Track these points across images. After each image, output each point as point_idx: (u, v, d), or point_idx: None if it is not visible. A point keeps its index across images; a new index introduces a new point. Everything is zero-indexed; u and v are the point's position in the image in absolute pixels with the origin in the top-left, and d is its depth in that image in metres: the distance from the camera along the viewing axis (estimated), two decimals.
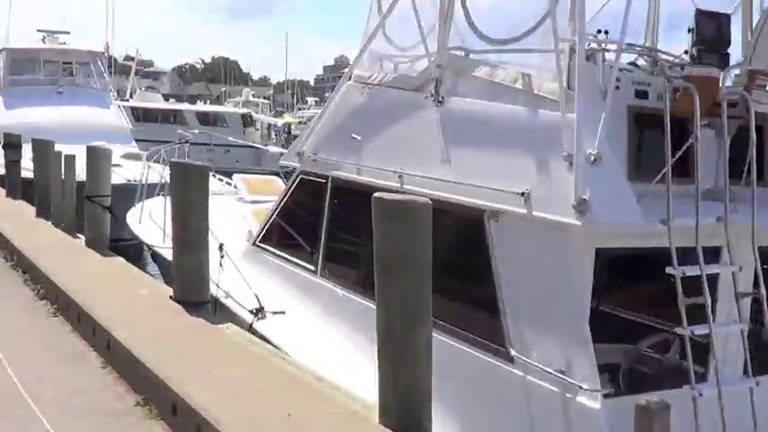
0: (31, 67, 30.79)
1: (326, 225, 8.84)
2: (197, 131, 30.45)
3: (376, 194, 5.19)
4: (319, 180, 9.02)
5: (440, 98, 7.31)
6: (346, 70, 9.58)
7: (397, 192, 6.63)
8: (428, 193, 6.37)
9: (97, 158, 11.28)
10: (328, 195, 8.81)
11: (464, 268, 7.08)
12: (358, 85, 8.83)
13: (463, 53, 7.57)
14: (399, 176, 7.45)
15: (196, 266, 8.17)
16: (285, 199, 9.80)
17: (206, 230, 8.18)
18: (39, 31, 32.99)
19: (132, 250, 13.81)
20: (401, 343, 5.02)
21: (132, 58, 59.66)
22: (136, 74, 57.27)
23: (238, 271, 9.08)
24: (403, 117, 7.88)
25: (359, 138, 8.36)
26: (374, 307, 5.26)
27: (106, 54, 36.03)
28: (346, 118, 8.89)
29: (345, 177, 8.51)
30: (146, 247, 13.33)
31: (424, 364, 5.05)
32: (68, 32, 33.36)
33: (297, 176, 9.60)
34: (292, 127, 55.84)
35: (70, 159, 12.82)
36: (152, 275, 11.14)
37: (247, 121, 49.20)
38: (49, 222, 13.58)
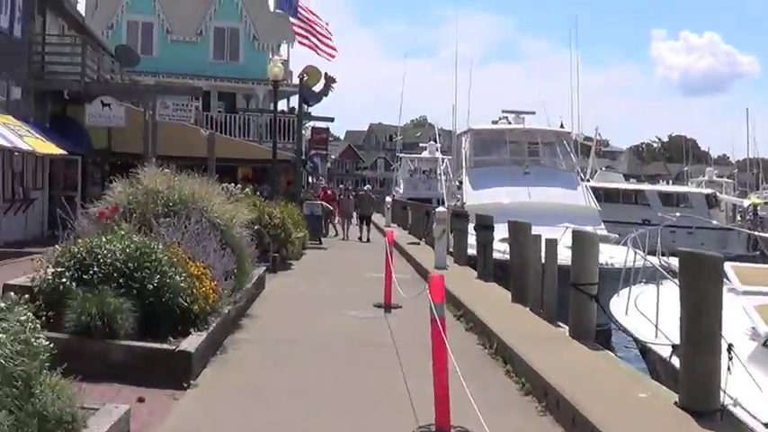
0: (496, 148, 31.69)
1: None
2: (675, 216, 29.05)
3: None
4: None
5: None
6: None
7: None
8: None
9: (584, 244, 10.65)
10: None
11: None
12: None
13: None
14: None
15: (707, 370, 7.12)
16: None
17: (719, 330, 7.12)
18: (504, 111, 34.02)
19: (601, 337, 13.01)
20: None
21: (590, 138, 59.88)
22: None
23: (750, 375, 7.88)
24: None
25: None
26: None
27: (573, 135, 36.21)
28: None
29: None
30: (635, 342, 12.36)
31: None
32: (533, 113, 33.99)
33: None
34: (758, 208, 52.23)
35: (552, 243, 12.38)
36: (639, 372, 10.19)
37: (712, 201, 46.74)
38: (527, 308, 13.25)
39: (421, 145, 70.76)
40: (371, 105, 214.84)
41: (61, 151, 23.13)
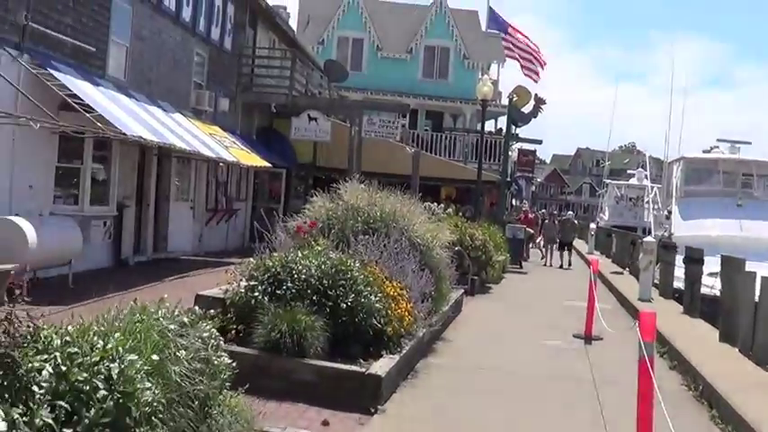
0: (708, 178, 30.08)
1: None
2: None
3: None
4: None
5: None
6: None
7: None
8: None
9: None
10: None
11: None
12: None
13: None
14: None
15: None
16: None
17: None
18: (719, 140, 32.21)
19: None
20: None
21: None
22: None
23: None
24: None
25: None
26: None
27: None
28: None
29: None
30: None
31: None
32: (749, 143, 31.97)
33: None
34: None
35: (767, 282, 11.32)
36: None
37: None
38: (736, 349, 12.23)
39: (629, 172, 68.59)
40: (579, 129, 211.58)
41: (265, 164, 23.61)
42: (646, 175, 57.92)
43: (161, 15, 20.11)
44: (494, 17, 51.76)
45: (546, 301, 20.50)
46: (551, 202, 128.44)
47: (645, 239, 21.15)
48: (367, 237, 11.13)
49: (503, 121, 47.04)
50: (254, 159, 23.16)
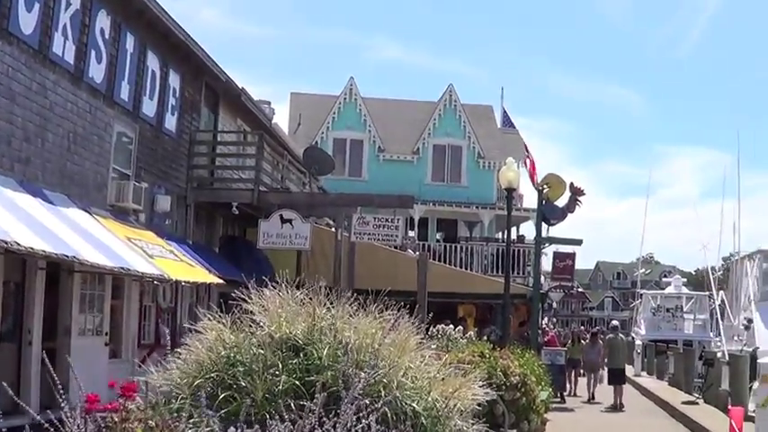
0: None
1: None
2: None
3: None
4: None
5: None
6: None
7: None
8: None
9: None
10: None
11: None
12: None
13: None
14: None
15: None
16: None
17: None
18: None
19: None
20: None
21: None
22: None
23: None
24: None
25: None
26: None
27: None
28: None
29: None
30: None
31: None
32: None
33: None
34: None
35: None
36: None
37: None
38: None
39: (665, 280, 63.01)
40: (592, 245, 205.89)
41: (214, 279, 17.08)
42: (684, 283, 54.11)
43: (47, 65, 14.12)
44: (507, 120, 46.63)
45: None
46: (573, 318, 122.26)
47: (763, 361, 14.45)
48: (306, 405, 4.87)
49: (525, 229, 41.36)
50: (195, 273, 16.71)
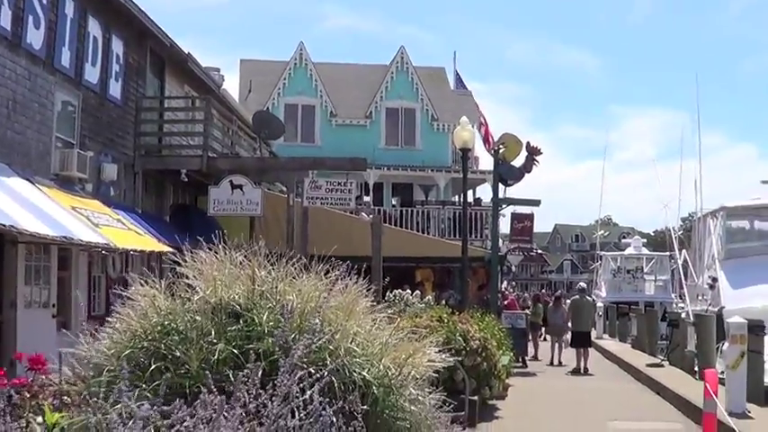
0: (757, 231, 24.51)
1: None
2: None
3: None
4: None
5: None
6: None
7: None
8: None
9: None
10: None
11: None
12: None
13: None
14: None
15: None
16: None
17: None
18: (763, 182, 25.76)
19: None
20: None
21: None
22: None
23: None
24: None
25: None
26: None
27: None
28: None
29: None
30: None
31: None
32: None
33: None
34: None
35: None
36: None
37: None
38: None
39: (624, 241, 63.07)
40: (549, 208, 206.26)
41: (163, 247, 16.52)
42: (644, 244, 53.82)
43: None
44: (460, 83, 46.17)
45: (586, 425, 13.81)
46: (532, 281, 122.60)
47: (731, 320, 14.22)
48: (245, 374, 4.44)
49: (481, 191, 40.95)
50: (143, 242, 16.17)
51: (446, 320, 13.79)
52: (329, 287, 5.50)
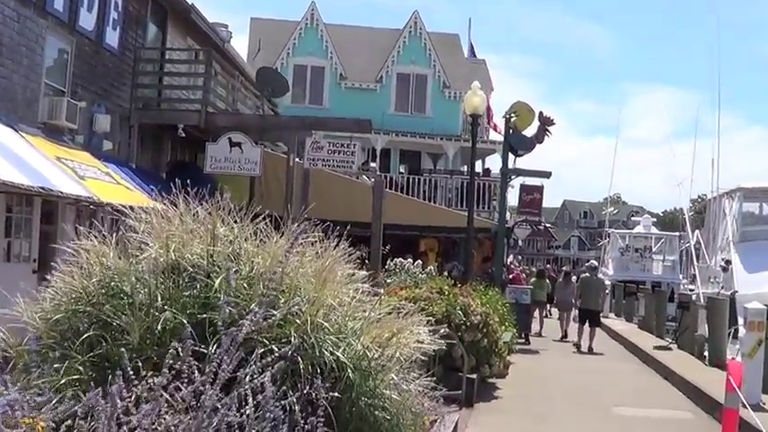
0: None
1: None
2: None
3: None
4: None
5: None
6: None
7: None
8: None
9: None
10: None
11: None
12: None
13: None
14: None
15: None
16: None
17: None
18: None
19: None
20: None
21: None
22: None
23: None
24: None
25: None
26: None
27: None
28: None
29: None
30: None
31: None
32: None
33: None
34: None
35: None
36: None
37: None
38: None
39: (633, 219, 62.05)
40: (559, 184, 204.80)
41: (156, 204, 15.73)
42: (653, 222, 53.24)
43: None
44: (473, 52, 45.12)
45: (586, 409, 13.08)
46: (538, 256, 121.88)
47: (750, 306, 13.33)
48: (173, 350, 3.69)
49: (491, 162, 40.05)
50: (132, 198, 15.38)
51: (447, 293, 13.01)
52: (302, 249, 4.69)
